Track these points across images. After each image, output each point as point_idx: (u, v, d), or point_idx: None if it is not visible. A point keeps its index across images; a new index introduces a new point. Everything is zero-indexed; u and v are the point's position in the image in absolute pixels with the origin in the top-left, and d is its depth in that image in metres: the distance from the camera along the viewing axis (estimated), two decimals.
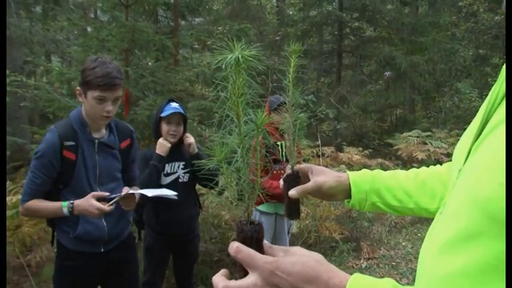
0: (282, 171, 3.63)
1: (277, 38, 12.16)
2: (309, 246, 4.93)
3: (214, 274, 3.03)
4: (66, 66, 9.22)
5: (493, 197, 0.67)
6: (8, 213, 4.46)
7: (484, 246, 0.69)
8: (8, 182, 5.44)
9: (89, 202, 2.09)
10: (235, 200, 0.83)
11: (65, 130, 2.20)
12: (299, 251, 0.75)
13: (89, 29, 6.47)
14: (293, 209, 1.22)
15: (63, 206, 2.12)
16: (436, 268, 0.79)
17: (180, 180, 3.11)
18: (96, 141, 2.25)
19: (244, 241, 0.76)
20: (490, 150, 0.76)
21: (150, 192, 2.35)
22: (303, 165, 1.25)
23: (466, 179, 0.82)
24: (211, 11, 9.55)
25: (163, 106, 3.04)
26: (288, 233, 4.06)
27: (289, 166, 1.23)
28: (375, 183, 1.24)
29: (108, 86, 2.09)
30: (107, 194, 2.16)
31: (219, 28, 6.33)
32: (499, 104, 0.83)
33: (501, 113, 0.79)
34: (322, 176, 1.20)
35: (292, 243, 4.20)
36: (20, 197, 4.67)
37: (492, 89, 0.94)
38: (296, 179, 1.20)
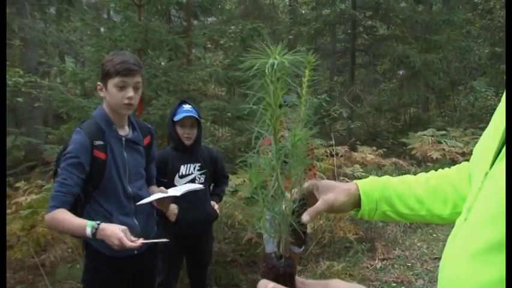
0: None
1: (291, 37, 12.12)
2: (323, 247, 4.90)
3: (227, 274, 3.02)
4: (80, 67, 9.29)
5: None
6: (23, 213, 4.49)
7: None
8: (22, 182, 5.49)
9: (113, 231, 1.92)
10: (271, 234, 0.73)
11: (93, 130, 2.17)
12: (340, 284, 0.70)
13: (101, 29, 6.50)
14: (302, 234, 1.13)
15: (88, 225, 1.93)
16: (470, 276, 0.77)
17: (196, 182, 3.07)
18: (123, 138, 2.25)
19: (276, 278, 0.69)
20: None
21: (178, 192, 2.40)
22: (306, 184, 1.13)
23: (497, 183, 0.79)
24: (224, 10, 9.55)
25: (176, 108, 3.00)
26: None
27: (296, 190, 1.10)
28: (385, 191, 1.18)
29: (127, 71, 2.11)
30: (137, 240, 1.98)
31: (232, 27, 6.31)
32: None
33: None
34: (331, 192, 1.11)
35: (306, 244, 4.18)
36: (34, 196, 4.74)
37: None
38: (304, 204, 1.06)
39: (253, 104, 0.65)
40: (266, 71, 0.62)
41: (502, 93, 0.93)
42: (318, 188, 1.12)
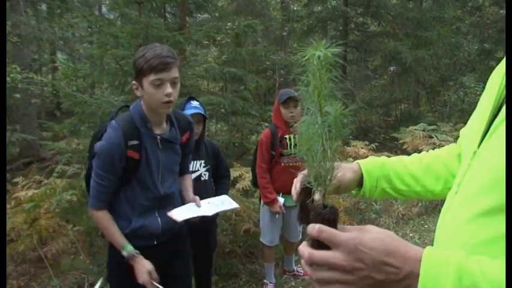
0: (290, 165, 3.73)
1: (284, 33, 12.21)
2: None
3: (226, 265, 3.17)
4: (75, 63, 9.31)
5: None
6: (25, 207, 4.57)
7: (504, 222, 0.81)
8: (20, 178, 5.56)
9: (145, 267, 2.14)
10: (316, 186, 0.88)
11: (129, 129, 2.11)
12: (374, 228, 0.81)
13: (98, 26, 6.54)
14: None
15: (125, 249, 2.14)
16: (466, 238, 0.89)
17: (202, 179, 3.15)
18: (159, 137, 2.18)
19: (322, 223, 0.81)
20: None
21: (210, 212, 2.33)
22: None
23: (486, 159, 0.91)
24: (217, 7, 9.62)
25: (184, 104, 3.02)
26: (300, 224, 4.15)
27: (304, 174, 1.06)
28: (384, 169, 1.28)
29: (162, 65, 1.99)
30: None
31: (229, 24, 6.41)
32: None
33: None
34: (338, 177, 1.14)
35: (302, 234, 4.30)
36: (35, 191, 4.81)
37: (497, 74, 1.03)
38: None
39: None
40: (314, 60, 0.78)
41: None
42: None
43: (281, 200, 3.78)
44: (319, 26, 13.43)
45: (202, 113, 3.03)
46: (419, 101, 14.82)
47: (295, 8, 14.49)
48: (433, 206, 6.21)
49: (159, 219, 2.27)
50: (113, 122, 2.13)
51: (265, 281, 4.09)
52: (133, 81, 2.12)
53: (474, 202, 0.90)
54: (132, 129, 2.11)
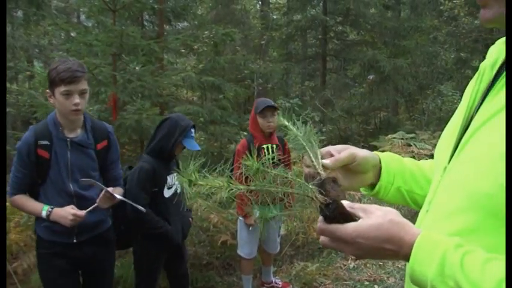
0: None
1: (263, 42, 12.23)
2: (297, 248, 4.97)
3: (203, 277, 3.09)
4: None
5: (493, 194, 0.74)
6: None
7: (480, 241, 0.76)
8: None
9: (66, 210, 2.30)
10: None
11: (41, 130, 2.39)
12: (376, 211, 0.84)
13: (73, 34, 6.43)
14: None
15: (43, 209, 2.34)
16: None
17: (179, 191, 3.10)
18: (69, 140, 2.40)
19: (331, 221, 0.86)
20: (485, 145, 0.81)
21: (119, 196, 2.51)
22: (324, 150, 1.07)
23: (457, 175, 0.87)
24: (196, 15, 9.57)
25: (187, 131, 2.96)
26: (279, 236, 4.10)
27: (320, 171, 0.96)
28: (401, 166, 1.18)
29: (71, 78, 2.24)
30: (84, 212, 2.34)
31: (206, 32, 6.37)
32: (482, 101, 0.89)
33: (489, 109, 0.84)
34: (352, 148, 1.09)
35: (280, 245, 4.25)
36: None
37: (469, 88, 0.99)
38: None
39: None
40: None
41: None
42: (337, 150, 1.09)
43: (257, 213, 3.72)
44: (298, 34, 13.49)
45: (199, 149, 3.10)
46: (398, 109, 14.97)
47: (274, 17, 14.55)
48: (412, 214, 6.23)
49: None
50: (31, 125, 2.48)
51: None
52: (47, 90, 2.38)
53: (446, 222, 0.86)
54: (44, 130, 2.39)
